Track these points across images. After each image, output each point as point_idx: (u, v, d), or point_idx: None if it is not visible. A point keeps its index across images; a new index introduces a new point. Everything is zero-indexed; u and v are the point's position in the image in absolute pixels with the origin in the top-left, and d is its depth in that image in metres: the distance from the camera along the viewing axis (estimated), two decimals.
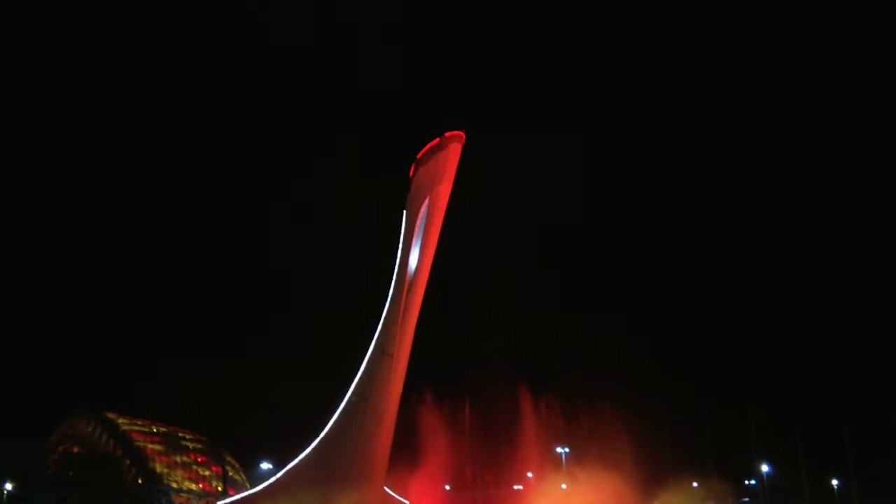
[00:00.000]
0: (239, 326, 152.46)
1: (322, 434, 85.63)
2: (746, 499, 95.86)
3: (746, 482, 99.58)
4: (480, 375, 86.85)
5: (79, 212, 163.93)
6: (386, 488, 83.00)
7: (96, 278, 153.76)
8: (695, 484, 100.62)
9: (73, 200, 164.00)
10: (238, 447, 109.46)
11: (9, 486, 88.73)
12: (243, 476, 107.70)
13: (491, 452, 79.02)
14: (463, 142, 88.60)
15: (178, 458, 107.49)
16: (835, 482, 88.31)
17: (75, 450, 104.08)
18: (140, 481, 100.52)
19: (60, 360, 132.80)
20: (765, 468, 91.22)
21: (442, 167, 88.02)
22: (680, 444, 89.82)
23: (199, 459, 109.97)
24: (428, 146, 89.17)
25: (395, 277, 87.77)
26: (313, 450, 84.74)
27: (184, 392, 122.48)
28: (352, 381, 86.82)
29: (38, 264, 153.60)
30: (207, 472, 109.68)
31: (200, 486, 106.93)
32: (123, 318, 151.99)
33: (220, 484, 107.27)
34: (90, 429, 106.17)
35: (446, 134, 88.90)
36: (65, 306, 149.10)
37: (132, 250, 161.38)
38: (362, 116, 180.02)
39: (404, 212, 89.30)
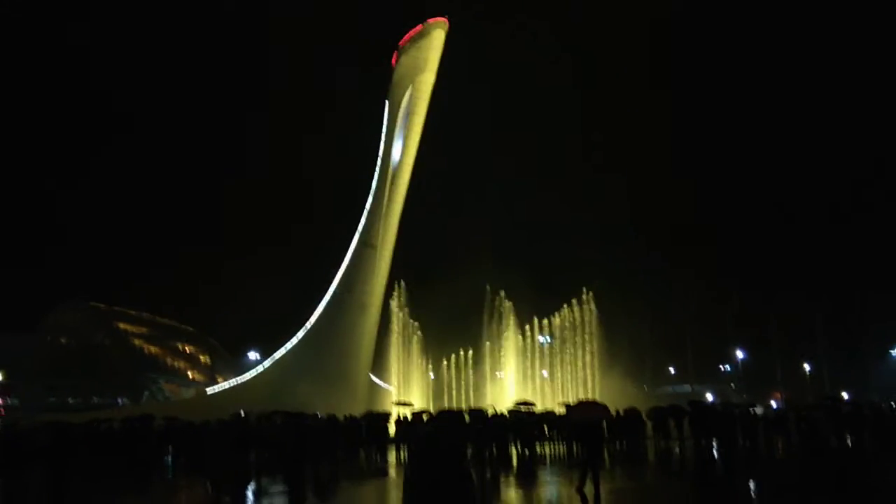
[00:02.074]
0: (227, 219, 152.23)
1: (308, 324, 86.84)
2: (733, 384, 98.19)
3: (722, 367, 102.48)
4: (461, 262, 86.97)
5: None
6: (371, 376, 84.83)
7: (71, 166, 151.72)
8: (672, 369, 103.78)
9: None
10: (225, 337, 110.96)
11: None
12: (231, 365, 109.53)
13: (473, 341, 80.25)
14: (447, 29, 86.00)
15: (166, 348, 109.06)
16: (807, 367, 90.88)
17: (63, 340, 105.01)
18: (129, 370, 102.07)
19: (44, 250, 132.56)
20: (739, 354, 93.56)
21: (425, 55, 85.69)
22: (658, 330, 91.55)
23: (188, 349, 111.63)
24: (410, 33, 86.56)
25: (377, 169, 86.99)
26: (300, 339, 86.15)
27: (172, 283, 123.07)
28: (336, 272, 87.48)
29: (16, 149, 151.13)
30: (196, 361, 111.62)
31: (189, 374, 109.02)
32: (109, 208, 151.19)
33: (209, 373, 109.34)
34: (78, 319, 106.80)
35: (429, 20, 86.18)
36: (46, 195, 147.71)
37: (110, 137, 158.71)
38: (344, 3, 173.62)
39: (386, 102, 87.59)
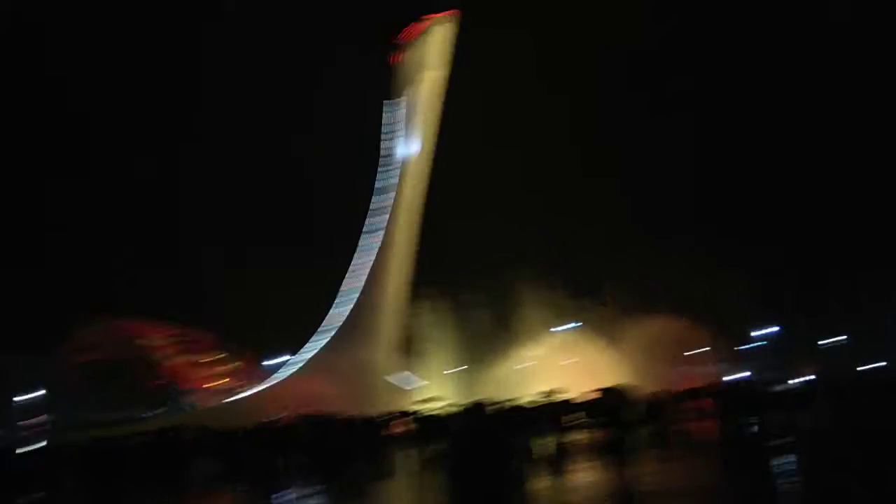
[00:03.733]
0: (240, 228, 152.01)
1: (327, 326, 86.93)
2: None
3: (751, 345, 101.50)
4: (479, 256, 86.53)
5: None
6: (395, 375, 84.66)
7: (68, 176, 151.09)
8: (700, 348, 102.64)
9: None
10: (248, 343, 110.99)
11: (29, 396, 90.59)
12: (256, 371, 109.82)
13: (495, 334, 79.86)
14: (455, 23, 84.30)
15: (189, 358, 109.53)
16: (839, 340, 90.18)
17: (89, 358, 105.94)
18: (154, 383, 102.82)
19: (43, 261, 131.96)
20: (768, 330, 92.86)
21: (433, 51, 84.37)
22: (680, 309, 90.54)
23: (210, 357, 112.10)
24: (417, 28, 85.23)
25: (386, 168, 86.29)
26: (321, 343, 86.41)
27: (191, 290, 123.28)
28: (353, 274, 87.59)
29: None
30: (220, 370, 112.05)
31: (214, 382, 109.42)
32: (119, 212, 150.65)
33: (234, 379, 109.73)
34: (100, 336, 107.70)
35: (436, 14, 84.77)
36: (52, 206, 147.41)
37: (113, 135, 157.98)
38: None
39: (394, 99, 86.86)
